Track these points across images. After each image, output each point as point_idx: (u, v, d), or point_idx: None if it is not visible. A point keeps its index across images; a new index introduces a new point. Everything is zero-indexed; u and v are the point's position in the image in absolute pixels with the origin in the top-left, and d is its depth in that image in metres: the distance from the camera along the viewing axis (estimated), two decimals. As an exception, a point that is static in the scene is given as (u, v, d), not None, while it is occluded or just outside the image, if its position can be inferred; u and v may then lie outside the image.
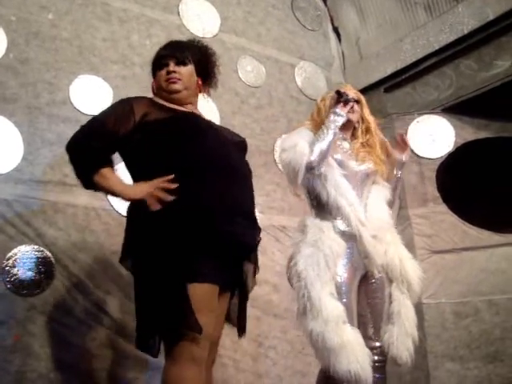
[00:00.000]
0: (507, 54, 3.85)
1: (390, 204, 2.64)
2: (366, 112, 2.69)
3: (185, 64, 2.31)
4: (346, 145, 2.63)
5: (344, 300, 2.33)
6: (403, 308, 2.42)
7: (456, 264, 4.03)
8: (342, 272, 2.38)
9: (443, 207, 4.14)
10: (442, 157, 4.24)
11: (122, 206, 3.26)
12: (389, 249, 2.49)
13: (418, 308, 3.91)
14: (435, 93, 4.33)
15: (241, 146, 2.40)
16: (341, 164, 2.51)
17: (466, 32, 4.01)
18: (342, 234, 2.43)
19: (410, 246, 4.05)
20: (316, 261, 2.32)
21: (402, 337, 2.37)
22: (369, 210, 2.51)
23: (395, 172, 2.70)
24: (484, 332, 3.84)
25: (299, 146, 2.41)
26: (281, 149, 2.58)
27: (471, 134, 4.25)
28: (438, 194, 4.16)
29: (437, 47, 4.20)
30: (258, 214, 3.71)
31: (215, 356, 2.29)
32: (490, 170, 4.06)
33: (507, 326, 3.79)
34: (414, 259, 2.58)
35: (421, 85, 4.40)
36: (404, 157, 2.71)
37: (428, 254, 4.06)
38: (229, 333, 3.46)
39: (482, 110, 4.16)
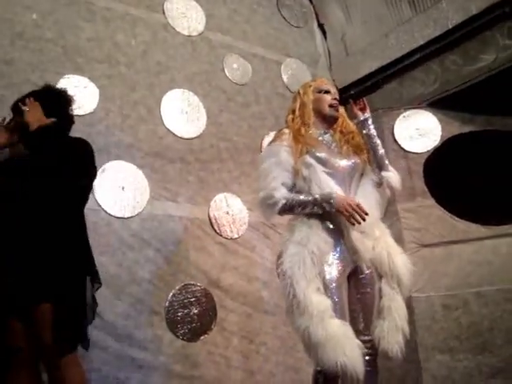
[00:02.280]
0: (491, 48, 3.88)
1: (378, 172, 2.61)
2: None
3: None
4: (328, 138, 2.63)
5: (334, 296, 2.33)
6: (393, 303, 2.43)
7: (444, 257, 4.07)
8: (330, 269, 2.38)
9: (431, 201, 4.16)
10: (428, 151, 4.26)
11: (109, 206, 3.28)
12: (377, 244, 2.50)
13: (408, 301, 3.96)
14: (421, 88, 4.35)
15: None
16: (324, 162, 2.50)
17: (450, 27, 4.04)
18: (330, 230, 2.44)
19: (398, 240, 4.05)
20: (302, 259, 2.33)
21: (392, 331, 2.39)
22: (363, 203, 2.46)
23: (364, 132, 2.63)
24: (473, 323, 3.87)
25: (272, 187, 2.45)
26: (260, 164, 2.61)
27: (457, 127, 4.28)
28: (425, 188, 4.18)
29: (422, 42, 4.23)
30: (247, 212, 3.82)
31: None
32: (475, 164, 4.09)
33: (495, 317, 3.82)
34: (404, 253, 2.58)
35: (407, 80, 4.44)
36: (365, 114, 2.64)
37: (417, 247, 4.08)
38: (220, 330, 3.51)
39: (467, 104, 4.19)
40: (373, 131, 2.60)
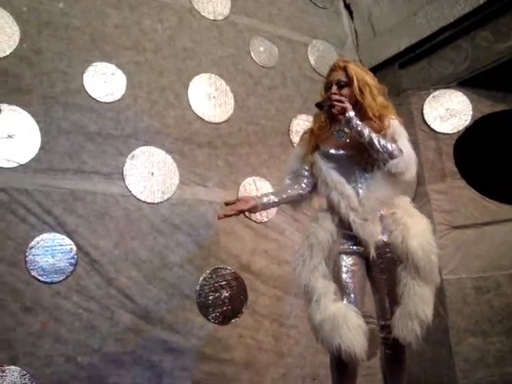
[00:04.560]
0: (525, 24, 3.78)
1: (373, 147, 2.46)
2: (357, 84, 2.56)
3: None
4: (343, 131, 2.60)
5: (342, 281, 2.42)
6: (408, 289, 2.39)
7: (476, 239, 4.01)
8: (338, 256, 2.47)
9: (462, 182, 4.10)
10: (459, 131, 4.19)
11: (139, 192, 3.32)
12: (396, 227, 2.46)
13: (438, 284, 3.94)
14: (451, 67, 4.26)
15: None
16: (330, 156, 2.57)
17: (481, 2, 3.92)
18: (337, 221, 2.52)
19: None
20: (302, 253, 2.49)
21: (404, 318, 2.36)
22: (370, 190, 2.48)
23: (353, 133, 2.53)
24: (506, 306, 3.82)
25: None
26: None
27: (488, 107, 4.20)
28: (455, 169, 4.12)
29: (451, 20, 4.12)
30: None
31: None
32: (508, 143, 4.01)
33: (529, 299, 3.78)
34: (427, 237, 2.47)
35: (436, 59, 4.34)
36: (347, 115, 2.48)
37: (448, 229, 4.03)
38: (251, 313, 3.54)
39: (498, 83, 4.10)
40: (357, 130, 2.44)
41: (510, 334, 3.77)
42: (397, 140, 2.46)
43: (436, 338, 3.87)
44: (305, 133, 2.81)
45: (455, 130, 4.20)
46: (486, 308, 3.86)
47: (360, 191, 2.50)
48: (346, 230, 2.49)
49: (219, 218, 2.52)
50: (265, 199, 2.59)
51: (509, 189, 3.98)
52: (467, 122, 4.19)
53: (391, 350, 2.52)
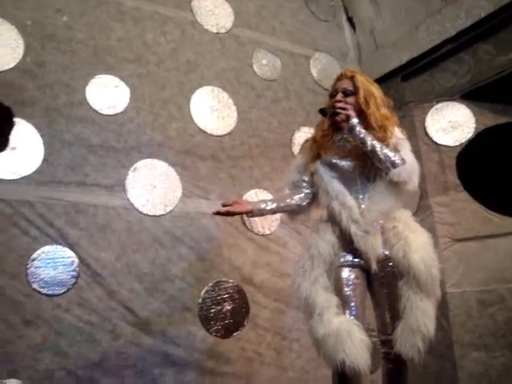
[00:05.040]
0: (525, 38, 3.79)
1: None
2: (363, 94, 2.55)
3: None
4: (345, 140, 2.58)
5: (344, 294, 2.40)
6: (410, 303, 2.37)
7: (479, 251, 3.99)
8: (339, 269, 2.46)
9: (464, 195, 4.08)
10: (461, 144, 4.18)
11: (141, 204, 3.32)
12: (397, 241, 2.44)
13: (442, 298, 3.91)
14: (453, 79, 4.27)
15: None
16: (332, 166, 2.55)
17: (483, 16, 3.94)
18: (338, 233, 2.50)
19: (431, 234, 4.06)
20: (303, 264, 2.48)
21: (406, 333, 2.35)
22: (372, 201, 2.46)
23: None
24: (509, 320, 3.79)
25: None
26: None
27: (491, 119, 4.18)
28: (458, 182, 4.11)
29: (453, 33, 4.13)
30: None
31: None
32: (510, 155, 4.01)
33: (533, 313, 3.75)
34: (428, 251, 2.45)
35: (438, 72, 4.35)
36: (350, 122, 2.48)
37: (450, 242, 4.02)
38: (253, 326, 3.52)
39: (500, 95, 4.10)
40: (360, 138, 2.43)
41: (514, 348, 3.75)
42: (400, 150, 2.44)
43: (440, 351, 3.84)
44: (306, 141, 2.79)
45: (458, 143, 4.19)
46: (490, 322, 3.83)
47: (362, 202, 2.48)
48: (346, 242, 2.47)
49: (213, 214, 2.55)
50: (262, 205, 2.58)
51: (511, 202, 3.97)
52: (470, 135, 4.18)
53: (393, 365, 2.49)
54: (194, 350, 3.31)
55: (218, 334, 3.40)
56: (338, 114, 2.49)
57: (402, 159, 2.41)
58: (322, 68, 4.55)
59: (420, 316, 2.35)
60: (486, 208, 4.06)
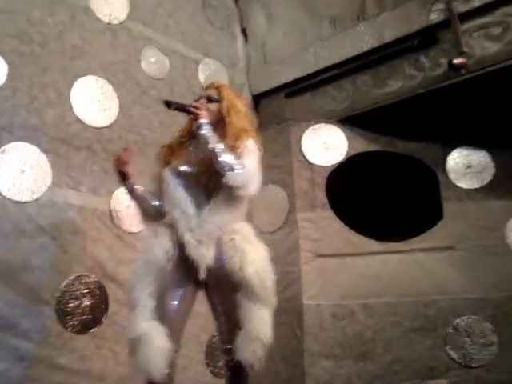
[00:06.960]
0: (399, 76, 4.11)
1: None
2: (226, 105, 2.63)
3: None
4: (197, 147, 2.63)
5: (164, 301, 2.45)
6: (248, 313, 2.42)
7: (338, 268, 4.24)
8: (169, 275, 2.47)
9: (330, 213, 4.33)
10: (333, 165, 4.43)
11: (7, 189, 3.15)
12: (235, 253, 2.46)
13: (298, 309, 4.12)
14: (332, 103, 4.52)
15: None
16: (179, 173, 2.57)
17: (365, 49, 4.23)
18: (174, 239, 2.51)
19: (295, 248, 4.27)
20: (137, 267, 2.52)
21: (245, 342, 2.40)
22: (212, 212, 2.48)
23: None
24: (357, 333, 4.08)
25: None
26: None
27: (363, 145, 4.48)
28: (326, 200, 4.34)
29: (337, 60, 4.40)
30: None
31: None
32: (376, 181, 4.30)
33: (378, 328, 4.06)
34: (263, 264, 2.49)
35: (319, 94, 4.58)
36: (198, 122, 2.52)
37: (312, 257, 4.24)
38: (111, 324, 3.45)
39: (374, 125, 4.40)
40: (205, 137, 2.46)
41: (358, 359, 4.02)
42: (243, 157, 2.45)
43: (292, 360, 4.04)
44: (162, 147, 2.79)
45: (329, 164, 4.43)
46: (340, 334, 4.09)
47: (202, 212, 2.48)
48: (181, 249, 2.48)
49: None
50: (137, 185, 2.65)
51: (373, 224, 4.27)
52: (342, 157, 4.44)
53: (233, 371, 2.55)
54: (47, 345, 3.18)
55: (74, 330, 3.31)
56: (186, 110, 2.54)
57: (242, 164, 2.42)
58: (211, 74, 4.59)
59: (258, 325, 2.41)
60: (349, 228, 4.33)
